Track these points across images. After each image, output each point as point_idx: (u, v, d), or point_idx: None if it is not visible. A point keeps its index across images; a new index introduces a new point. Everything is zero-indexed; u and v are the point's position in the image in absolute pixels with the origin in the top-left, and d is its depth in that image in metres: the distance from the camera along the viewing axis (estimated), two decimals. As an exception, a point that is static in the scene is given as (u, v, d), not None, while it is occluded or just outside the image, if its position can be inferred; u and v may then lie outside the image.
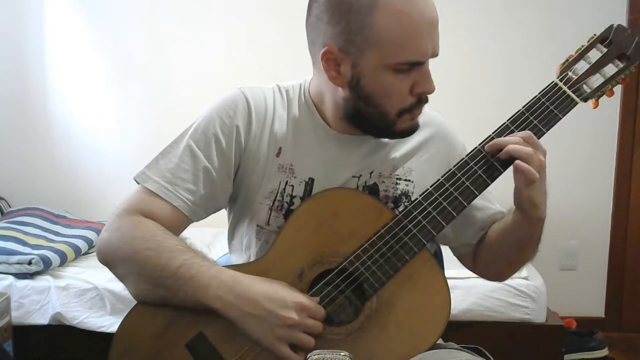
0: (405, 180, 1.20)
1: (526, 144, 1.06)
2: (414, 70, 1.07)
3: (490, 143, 1.09)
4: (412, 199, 1.19)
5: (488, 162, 1.10)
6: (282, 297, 1.02)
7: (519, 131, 1.10)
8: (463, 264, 1.31)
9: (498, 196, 1.27)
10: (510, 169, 1.09)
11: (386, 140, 1.19)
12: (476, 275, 2.59)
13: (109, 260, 1.12)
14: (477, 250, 1.26)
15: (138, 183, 1.16)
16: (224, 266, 1.11)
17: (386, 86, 1.08)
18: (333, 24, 1.07)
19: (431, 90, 1.10)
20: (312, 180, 1.17)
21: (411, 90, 1.09)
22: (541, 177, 1.06)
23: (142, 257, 1.06)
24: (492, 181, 1.11)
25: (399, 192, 1.19)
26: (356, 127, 1.16)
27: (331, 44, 1.08)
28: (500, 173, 1.10)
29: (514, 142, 1.06)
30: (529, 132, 1.08)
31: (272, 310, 1.01)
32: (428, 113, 1.26)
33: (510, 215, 1.15)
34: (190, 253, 1.08)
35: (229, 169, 1.17)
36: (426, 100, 1.13)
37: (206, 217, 1.19)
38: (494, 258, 1.23)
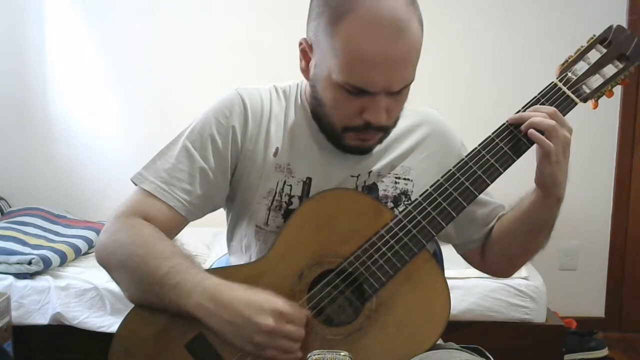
0: (405, 179, 1.20)
1: (550, 119, 1.06)
2: (363, 95, 1.04)
3: (514, 116, 1.09)
4: (412, 198, 1.19)
5: (487, 162, 1.10)
6: (259, 302, 1.00)
7: (518, 131, 1.10)
8: (468, 261, 1.31)
9: (499, 196, 1.27)
10: (508, 171, 1.09)
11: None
12: (476, 275, 2.60)
13: (105, 264, 1.12)
14: (486, 245, 1.26)
15: (135, 184, 1.16)
16: (223, 267, 1.11)
17: (334, 99, 1.07)
18: (312, 19, 1.08)
19: (376, 123, 1.06)
20: (309, 179, 1.17)
21: (361, 113, 1.07)
22: (565, 154, 1.06)
23: (132, 264, 1.07)
24: (491, 181, 1.11)
25: (398, 191, 1.19)
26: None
27: (308, 36, 1.10)
28: (500, 174, 1.10)
29: (537, 116, 1.06)
30: (554, 108, 1.08)
31: (249, 317, 0.99)
32: (425, 111, 1.26)
33: (527, 199, 1.15)
34: (177, 259, 1.06)
35: (225, 169, 1.17)
36: (377, 129, 1.09)
37: (203, 216, 1.19)
38: (506, 250, 1.23)
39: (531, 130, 1.06)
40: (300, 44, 1.11)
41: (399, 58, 1.01)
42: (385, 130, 1.12)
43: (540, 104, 1.11)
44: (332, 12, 1.02)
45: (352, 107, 1.06)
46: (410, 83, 1.07)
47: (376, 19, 0.99)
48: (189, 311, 1.02)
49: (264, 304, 1.00)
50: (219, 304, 1.01)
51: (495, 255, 1.25)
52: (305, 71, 1.13)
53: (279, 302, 1.01)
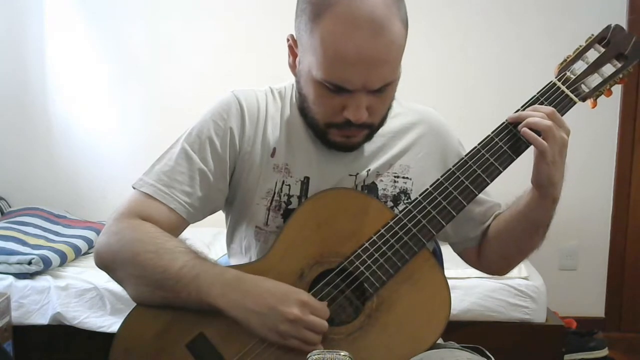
0: (404, 177, 1.20)
1: (547, 119, 1.06)
2: (343, 93, 1.05)
3: (513, 115, 1.10)
4: (411, 196, 1.19)
5: (487, 161, 1.10)
6: (284, 293, 1.03)
7: (517, 131, 1.10)
8: (464, 259, 1.31)
9: (499, 195, 1.27)
10: (509, 170, 1.09)
11: (380, 138, 1.19)
12: (476, 275, 2.60)
13: (107, 264, 1.12)
14: (482, 243, 1.26)
15: (135, 189, 1.16)
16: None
17: (316, 96, 1.08)
18: (297, 15, 1.09)
19: (355, 121, 1.06)
20: (307, 179, 1.18)
21: (342, 110, 1.07)
22: (561, 155, 1.06)
23: (142, 260, 1.06)
24: (491, 180, 1.11)
25: (397, 190, 1.20)
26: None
27: (294, 32, 1.10)
28: (500, 173, 1.11)
29: (534, 116, 1.06)
30: (552, 108, 1.08)
31: (274, 306, 1.01)
32: (423, 109, 1.26)
33: (523, 198, 1.15)
34: (191, 254, 1.08)
35: (224, 170, 1.17)
36: (360, 126, 1.09)
37: (202, 218, 1.20)
38: (502, 248, 1.23)
39: (525, 130, 1.07)
40: (288, 40, 1.12)
41: (376, 57, 1.00)
42: (370, 127, 1.11)
43: (539, 103, 1.11)
44: (312, 9, 1.03)
45: (332, 104, 1.06)
46: (394, 82, 1.07)
47: (354, 17, 0.99)
48: (210, 302, 1.03)
49: (289, 294, 1.02)
50: (243, 294, 1.03)
51: (492, 254, 1.25)
52: (292, 67, 1.14)
53: (303, 293, 1.04)
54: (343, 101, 1.05)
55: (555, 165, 1.06)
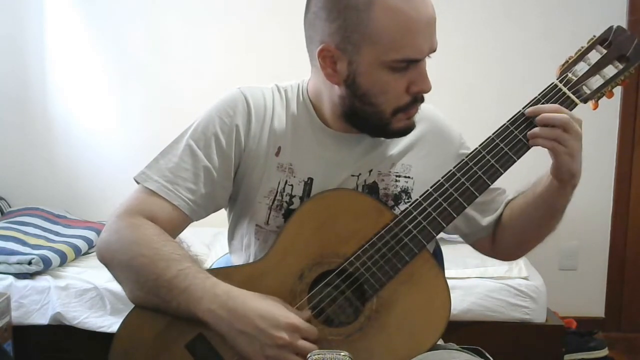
0: (405, 177, 1.20)
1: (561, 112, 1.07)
2: (410, 68, 1.07)
3: (532, 109, 1.10)
4: (412, 195, 1.19)
5: (487, 163, 1.10)
6: (275, 316, 1.01)
7: (519, 132, 1.10)
8: (477, 249, 1.31)
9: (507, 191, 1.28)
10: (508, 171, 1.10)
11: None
12: (476, 275, 2.59)
13: (107, 262, 1.12)
14: (496, 231, 1.26)
15: (138, 183, 1.16)
16: (223, 267, 1.11)
17: (382, 84, 1.08)
18: (330, 21, 1.07)
19: (427, 90, 1.10)
20: (311, 180, 1.17)
21: (407, 89, 1.09)
22: (579, 147, 1.07)
23: (137, 264, 1.06)
24: (492, 182, 1.11)
25: (398, 189, 1.20)
26: (353, 126, 1.16)
27: (328, 41, 1.08)
28: (500, 174, 1.11)
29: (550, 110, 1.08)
30: (559, 106, 1.09)
31: (264, 329, 0.99)
32: (422, 107, 1.26)
33: (541, 185, 1.15)
34: (186, 263, 1.06)
35: (228, 168, 1.17)
36: (422, 100, 1.13)
37: (206, 216, 1.19)
38: (519, 235, 1.24)
39: (532, 140, 1.08)
40: (321, 51, 1.09)
41: (431, 15, 1.07)
42: (423, 99, 1.14)
43: (540, 105, 1.11)
44: (358, 5, 1.03)
45: (399, 85, 1.08)
46: None
47: None
48: (199, 316, 1.02)
49: (279, 318, 1.01)
50: (231, 313, 1.01)
51: (508, 241, 1.26)
52: (332, 76, 1.11)
53: (294, 317, 1.02)
54: (408, 78, 1.08)
55: (573, 157, 1.07)
